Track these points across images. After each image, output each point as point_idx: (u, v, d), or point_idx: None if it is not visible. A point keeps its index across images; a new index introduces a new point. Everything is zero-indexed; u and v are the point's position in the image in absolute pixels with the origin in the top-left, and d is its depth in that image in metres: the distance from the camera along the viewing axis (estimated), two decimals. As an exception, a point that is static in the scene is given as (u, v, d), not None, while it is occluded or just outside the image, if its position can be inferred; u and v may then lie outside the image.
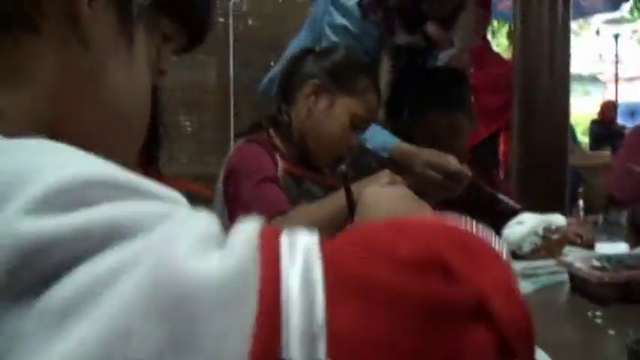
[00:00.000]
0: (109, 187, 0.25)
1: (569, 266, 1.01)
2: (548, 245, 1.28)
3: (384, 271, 0.25)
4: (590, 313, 0.86)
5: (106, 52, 0.37)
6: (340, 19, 1.48)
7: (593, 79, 11.37)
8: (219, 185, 1.21)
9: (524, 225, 1.28)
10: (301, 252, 0.25)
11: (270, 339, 0.22)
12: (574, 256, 1.07)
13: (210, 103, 2.80)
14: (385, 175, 1.13)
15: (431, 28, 1.58)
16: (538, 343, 0.27)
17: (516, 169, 2.18)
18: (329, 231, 1.05)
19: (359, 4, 1.47)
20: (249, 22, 2.86)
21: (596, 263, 0.99)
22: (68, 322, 0.22)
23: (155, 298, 0.22)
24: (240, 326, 0.22)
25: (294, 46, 1.62)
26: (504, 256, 0.28)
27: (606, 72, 10.94)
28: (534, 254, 1.27)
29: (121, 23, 0.39)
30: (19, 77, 0.34)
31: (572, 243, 1.44)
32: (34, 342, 0.21)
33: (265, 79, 1.72)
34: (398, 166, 1.37)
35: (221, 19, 2.71)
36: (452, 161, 1.33)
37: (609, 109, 7.22)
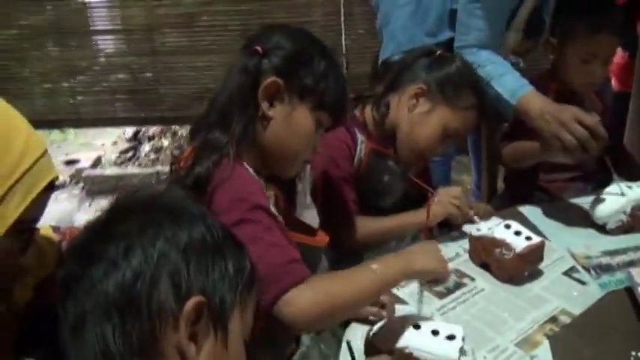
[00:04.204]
0: None
1: (635, 286, 1.14)
2: (634, 223, 1.36)
3: None
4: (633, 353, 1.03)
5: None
6: None
7: None
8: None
9: (615, 203, 1.35)
10: None
11: None
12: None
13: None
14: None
15: None
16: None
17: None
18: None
19: None
20: None
21: (659, 293, 1.10)
22: None
23: None
24: None
25: None
26: None
27: None
28: (619, 229, 1.37)
29: (215, 327, 0.57)
30: None
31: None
32: None
33: None
34: (518, 116, 1.35)
35: None
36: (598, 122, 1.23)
37: None
